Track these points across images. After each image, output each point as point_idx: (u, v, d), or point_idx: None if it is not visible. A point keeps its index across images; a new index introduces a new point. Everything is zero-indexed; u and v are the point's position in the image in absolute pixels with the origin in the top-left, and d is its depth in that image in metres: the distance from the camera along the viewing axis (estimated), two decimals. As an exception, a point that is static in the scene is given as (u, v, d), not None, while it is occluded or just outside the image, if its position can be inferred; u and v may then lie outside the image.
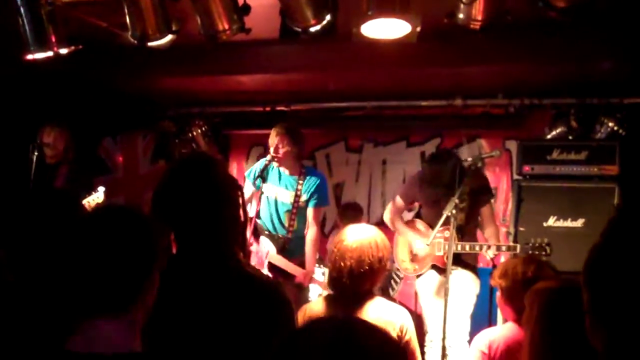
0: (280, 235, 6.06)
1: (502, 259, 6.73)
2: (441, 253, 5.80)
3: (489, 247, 5.70)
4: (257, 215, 6.09)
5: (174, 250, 2.52)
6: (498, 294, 4.01)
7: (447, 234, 5.41)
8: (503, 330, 3.89)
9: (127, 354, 1.93)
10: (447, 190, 5.60)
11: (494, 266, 5.74)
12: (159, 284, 2.25)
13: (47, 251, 2.24)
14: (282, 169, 6.11)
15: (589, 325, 1.78)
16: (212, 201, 2.53)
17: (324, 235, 8.05)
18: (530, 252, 5.48)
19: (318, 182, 6.13)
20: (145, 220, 2.14)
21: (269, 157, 5.96)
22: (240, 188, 2.67)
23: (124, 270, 2.00)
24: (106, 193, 6.03)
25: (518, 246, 5.60)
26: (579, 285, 3.20)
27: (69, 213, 2.68)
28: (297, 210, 6.07)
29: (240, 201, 2.62)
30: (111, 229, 2.04)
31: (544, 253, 5.47)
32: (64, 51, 4.87)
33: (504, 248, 5.75)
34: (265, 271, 5.88)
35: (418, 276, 6.04)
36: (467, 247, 5.72)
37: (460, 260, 5.81)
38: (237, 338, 2.36)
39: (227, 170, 2.71)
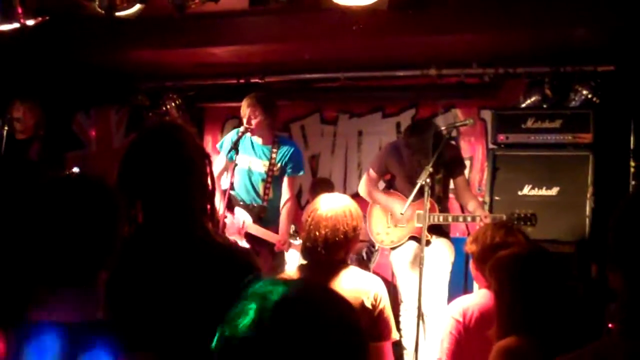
0: (255, 204, 6.05)
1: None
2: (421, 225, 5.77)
3: (473, 218, 5.70)
4: (232, 187, 6.05)
5: (141, 219, 2.49)
6: (471, 261, 4.03)
7: (428, 205, 5.40)
8: (477, 297, 3.90)
9: (91, 322, 1.91)
10: (426, 160, 5.60)
11: (469, 235, 5.77)
12: (126, 253, 2.22)
13: (10, 219, 2.21)
14: (254, 138, 6.08)
15: (609, 269, 1.94)
16: (178, 169, 2.49)
17: (300, 207, 8.03)
18: (515, 223, 5.45)
19: (292, 150, 6.14)
20: (108, 189, 2.11)
21: (242, 128, 5.92)
22: (208, 156, 2.63)
23: (87, 240, 1.98)
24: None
25: (504, 216, 5.58)
26: (543, 251, 3.23)
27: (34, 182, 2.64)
28: (272, 179, 6.05)
29: (208, 169, 2.59)
30: (74, 198, 2.01)
31: (529, 223, 5.47)
32: (30, 22, 4.80)
33: (488, 220, 5.73)
34: (243, 242, 5.87)
35: (393, 248, 6.04)
36: (450, 218, 5.73)
37: (438, 228, 5.82)
38: (203, 306, 2.33)
39: (195, 139, 2.67)
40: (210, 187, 2.60)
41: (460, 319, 3.73)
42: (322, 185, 7.54)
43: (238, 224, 5.94)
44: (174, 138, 2.56)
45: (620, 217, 1.90)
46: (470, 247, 3.96)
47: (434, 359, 3.87)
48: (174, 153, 2.51)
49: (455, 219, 5.77)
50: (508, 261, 3.08)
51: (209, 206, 2.59)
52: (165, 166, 2.48)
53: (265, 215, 6.06)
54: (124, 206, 2.19)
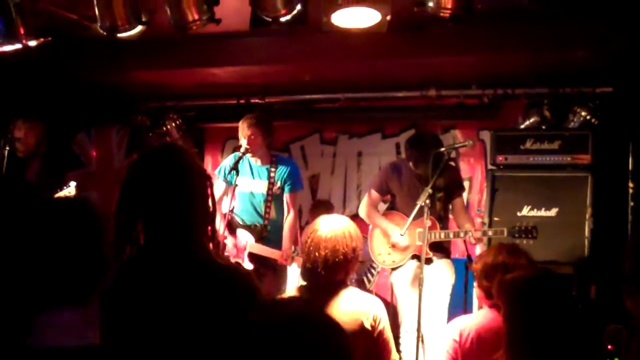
0: (257, 224, 6.06)
1: (478, 251, 6.77)
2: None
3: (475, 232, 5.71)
4: (231, 210, 6.06)
5: (142, 241, 2.50)
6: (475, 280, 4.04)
7: (429, 223, 5.42)
8: (476, 317, 3.92)
9: (85, 347, 1.89)
10: (425, 178, 5.64)
11: (469, 256, 5.78)
12: (126, 275, 2.22)
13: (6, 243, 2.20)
14: (253, 160, 6.11)
15: (627, 292, 1.91)
16: (179, 190, 2.50)
17: (300, 227, 8.05)
18: (516, 235, 5.49)
19: (290, 168, 6.21)
20: (91, 209, 2.10)
21: (243, 149, 5.94)
22: (209, 177, 2.64)
23: (74, 261, 1.96)
24: (77, 187, 5.97)
25: (505, 230, 5.60)
26: (551, 274, 3.21)
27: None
28: (273, 198, 6.08)
29: (209, 191, 2.60)
30: (57, 220, 2.00)
31: (530, 236, 5.49)
32: (32, 43, 4.82)
33: (490, 232, 5.74)
34: (246, 263, 5.88)
35: (395, 268, 6.04)
36: (451, 235, 5.73)
37: (440, 247, 5.84)
38: (204, 327, 2.34)
39: (196, 160, 2.68)
40: (211, 208, 2.61)
41: (457, 339, 3.75)
42: (323, 207, 7.56)
43: (240, 246, 5.95)
44: (174, 159, 2.57)
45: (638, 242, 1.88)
46: (474, 266, 3.99)
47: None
48: (174, 174, 2.52)
49: (457, 234, 5.77)
50: (516, 285, 3.07)
51: (210, 228, 2.60)
52: (166, 188, 2.49)
53: (267, 234, 6.08)
54: (107, 226, 2.18)
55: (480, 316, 3.87)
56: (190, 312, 2.36)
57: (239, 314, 2.37)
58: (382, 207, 6.49)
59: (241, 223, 6.07)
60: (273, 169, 6.11)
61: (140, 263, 2.48)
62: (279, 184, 6.13)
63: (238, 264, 5.41)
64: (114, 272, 2.44)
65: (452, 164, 6.00)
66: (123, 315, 2.35)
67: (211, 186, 2.62)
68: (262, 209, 6.11)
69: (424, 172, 5.67)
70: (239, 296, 2.43)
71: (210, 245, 2.59)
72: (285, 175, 6.15)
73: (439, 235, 5.70)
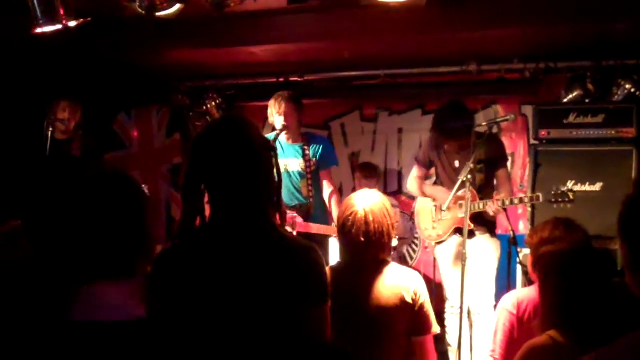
0: (302, 203, 6.05)
1: (521, 226, 6.74)
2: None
3: (511, 201, 5.67)
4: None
5: (208, 214, 2.53)
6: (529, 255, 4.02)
7: (469, 195, 5.39)
8: (532, 291, 3.88)
9: (127, 321, 1.89)
10: (462, 150, 5.63)
11: (513, 232, 5.72)
12: (191, 246, 2.27)
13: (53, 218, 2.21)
14: (283, 139, 6.08)
15: (630, 277, 1.85)
16: (246, 162, 2.51)
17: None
18: (553, 200, 5.50)
19: (323, 144, 6.23)
20: (130, 180, 2.11)
21: (280, 127, 5.92)
22: (274, 148, 2.65)
23: (114, 232, 1.96)
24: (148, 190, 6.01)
25: (541, 195, 5.59)
26: (589, 249, 3.18)
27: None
28: (312, 176, 6.06)
29: (274, 162, 2.60)
30: (96, 191, 2.00)
31: (567, 200, 5.47)
32: (72, 24, 4.83)
33: (526, 199, 5.72)
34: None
35: (438, 243, 6.02)
36: (490, 204, 5.68)
37: (482, 222, 5.79)
38: (270, 300, 2.38)
39: (260, 131, 2.69)
40: (276, 179, 2.62)
41: (514, 312, 3.74)
42: (369, 168, 7.56)
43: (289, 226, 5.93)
44: (239, 130, 2.56)
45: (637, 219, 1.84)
46: (529, 240, 3.96)
47: (487, 353, 3.84)
48: (239, 145, 2.52)
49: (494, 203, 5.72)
50: (551, 258, 3.06)
51: (275, 199, 2.61)
52: (231, 158, 2.50)
53: (313, 212, 6.08)
54: (149, 203, 2.18)
55: (534, 290, 3.85)
56: (256, 284, 2.39)
57: (304, 285, 2.40)
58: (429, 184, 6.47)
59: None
60: (306, 147, 6.10)
61: (206, 235, 2.50)
62: (314, 160, 6.12)
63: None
64: (181, 243, 2.50)
65: (495, 133, 5.92)
66: (187, 286, 2.38)
67: (276, 157, 2.62)
68: (302, 187, 6.10)
69: (456, 142, 5.71)
70: (303, 268, 2.46)
71: (277, 217, 2.60)
72: (320, 152, 6.14)
73: (477, 206, 5.66)
